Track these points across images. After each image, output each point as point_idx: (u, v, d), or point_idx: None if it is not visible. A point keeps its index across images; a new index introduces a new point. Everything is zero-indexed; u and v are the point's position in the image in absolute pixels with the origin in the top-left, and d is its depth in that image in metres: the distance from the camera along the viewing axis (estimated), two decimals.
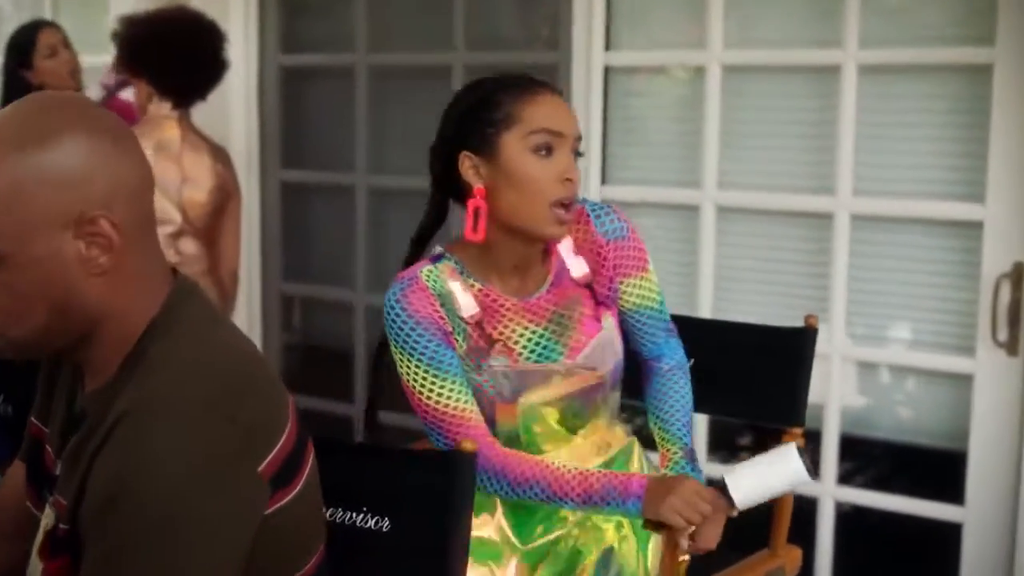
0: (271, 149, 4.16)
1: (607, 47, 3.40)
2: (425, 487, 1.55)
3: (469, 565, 1.59)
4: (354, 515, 1.55)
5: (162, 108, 3.28)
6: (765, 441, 3.53)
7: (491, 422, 1.90)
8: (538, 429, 1.93)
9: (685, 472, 1.92)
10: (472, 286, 1.89)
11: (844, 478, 3.18)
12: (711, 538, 1.80)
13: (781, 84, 3.28)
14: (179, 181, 3.28)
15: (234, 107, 4.06)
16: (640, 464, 2.10)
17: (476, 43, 3.73)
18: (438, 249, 1.95)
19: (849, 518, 3.18)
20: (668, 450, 1.97)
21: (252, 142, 4.13)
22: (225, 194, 3.40)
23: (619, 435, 2.08)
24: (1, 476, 1.65)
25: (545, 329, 1.92)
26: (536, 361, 1.91)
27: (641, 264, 2.01)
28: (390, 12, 3.95)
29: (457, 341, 1.87)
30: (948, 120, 3.03)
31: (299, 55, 4.15)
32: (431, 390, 1.84)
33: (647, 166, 3.43)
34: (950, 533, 2.99)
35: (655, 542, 2.00)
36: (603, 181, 3.42)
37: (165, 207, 3.26)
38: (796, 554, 2.35)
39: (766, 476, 1.79)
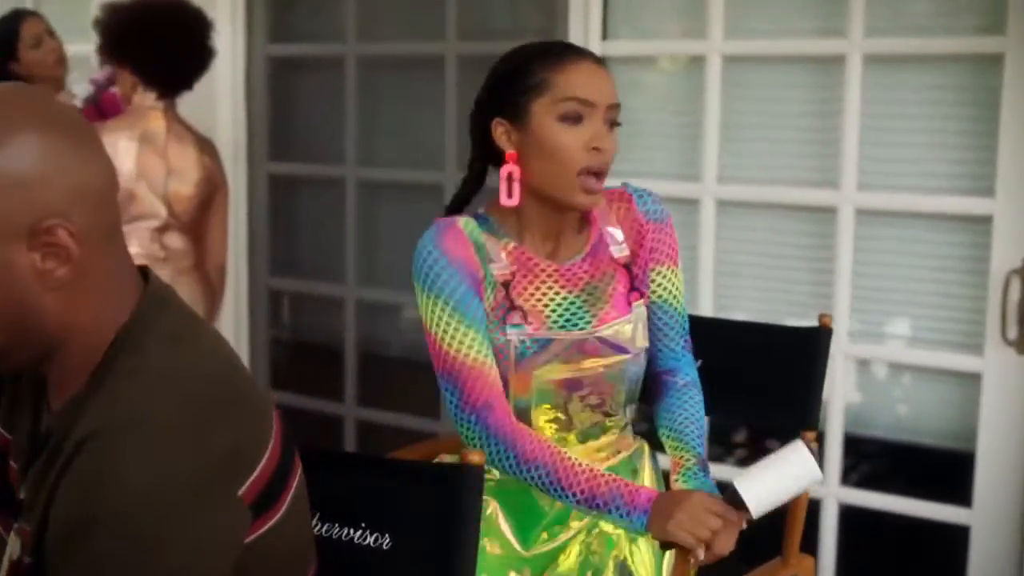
0: (258, 141, 4.10)
1: (604, 36, 3.34)
2: (429, 501, 1.45)
3: None
4: (351, 531, 1.45)
5: (147, 98, 3.21)
6: (759, 438, 3.53)
7: (504, 386, 1.85)
8: (547, 407, 1.88)
9: (698, 479, 1.85)
10: (506, 244, 1.88)
11: (848, 479, 3.13)
12: (725, 545, 1.72)
13: (783, 75, 3.21)
14: (164, 174, 3.20)
15: (221, 98, 4.00)
16: (650, 471, 2.04)
17: (468, 33, 3.67)
18: (477, 211, 1.94)
19: (853, 520, 3.11)
20: (681, 458, 1.90)
21: (239, 134, 4.07)
22: (212, 187, 3.33)
23: (630, 442, 2.03)
24: None
25: (576, 297, 1.89)
26: (563, 328, 1.87)
27: (672, 256, 1.99)
28: (380, 1, 3.89)
29: (486, 292, 1.84)
30: (956, 112, 2.97)
31: (287, 44, 4.10)
32: (452, 336, 1.80)
33: (645, 159, 3.36)
34: (957, 536, 2.94)
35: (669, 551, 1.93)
36: None
37: (150, 200, 3.19)
38: (809, 563, 2.27)
39: (779, 479, 1.71)
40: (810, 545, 2.77)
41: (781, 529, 2.26)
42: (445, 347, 1.81)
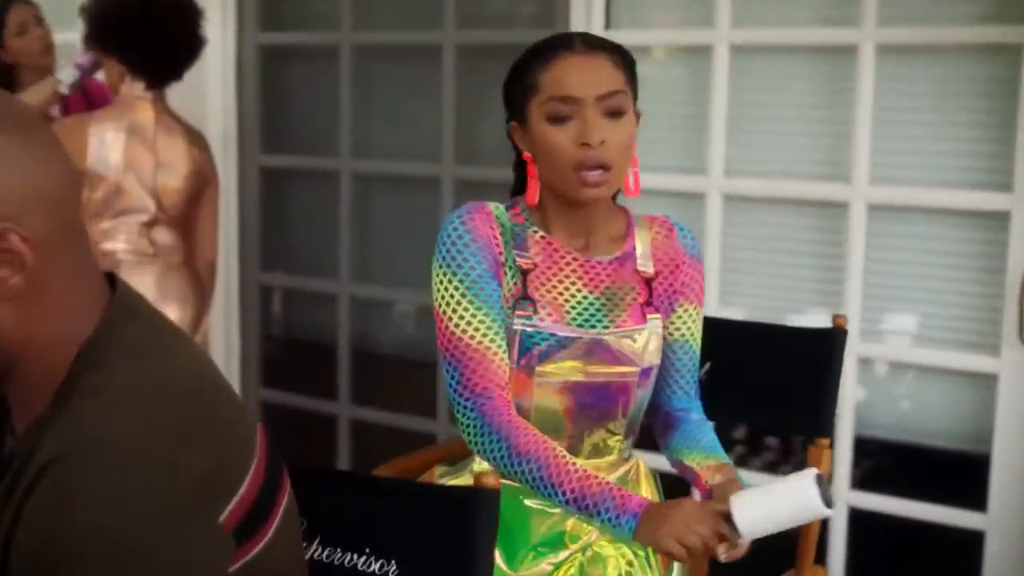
0: (250, 133, 4.05)
1: (607, 26, 3.28)
2: (440, 526, 1.34)
3: None
4: (354, 557, 1.35)
5: (135, 89, 3.12)
6: (758, 435, 3.46)
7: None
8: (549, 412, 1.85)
9: (735, 475, 1.79)
10: (535, 233, 1.87)
11: (858, 483, 3.06)
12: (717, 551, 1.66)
13: (793, 65, 3.14)
14: (153, 167, 3.12)
15: (211, 88, 3.94)
16: (649, 481, 1.99)
17: (468, 20, 3.60)
18: (515, 200, 1.94)
19: (864, 525, 3.05)
20: (712, 465, 1.83)
21: (230, 125, 4.01)
22: (202, 180, 3.24)
23: (628, 464, 1.98)
24: None
25: (596, 298, 1.87)
26: (580, 325, 1.84)
27: (700, 297, 1.99)
28: None
29: (506, 276, 1.83)
30: (973, 104, 2.90)
31: (280, 33, 4.04)
32: (461, 316, 1.79)
33: (649, 152, 3.24)
34: (971, 541, 2.88)
35: (679, 568, 1.87)
36: None
37: (138, 194, 3.11)
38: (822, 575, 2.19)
39: (776, 508, 1.61)
40: (819, 550, 2.69)
41: (795, 540, 2.18)
42: (452, 327, 1.79)
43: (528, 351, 1.81)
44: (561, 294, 1.85)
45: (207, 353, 1.24)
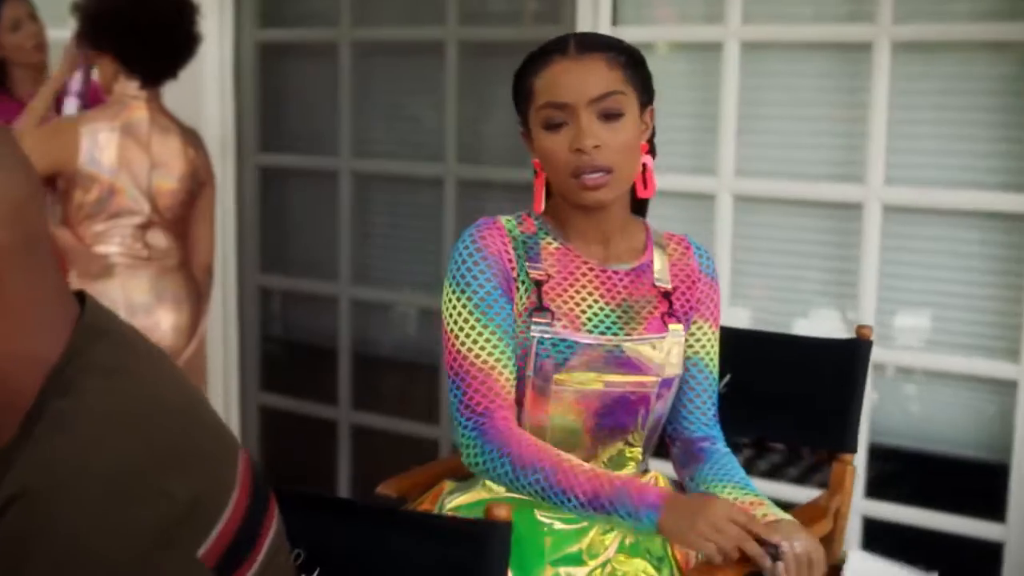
0: (248, 132, 4.00)
1: (614, 22, 3.21)
2: (450, 560, 1.25)
3: None
4: None
5: (129, 87, 3.04)
6: (763, 440, 3.39)
7: (521, 393, 1.81)
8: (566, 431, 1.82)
9: (779, 510, 1.73)
10: (550, 243, 1.85)
11: (873, 491, 3.00)
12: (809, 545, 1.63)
13: (806, 62, 3.07)
14: (148, 167, 3.04)
15: (208, 86, 3.90)
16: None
17: (470, 17, 3.55)
18: (529, 212, 1.92)
19: (878, 535, 2.99)
20: (751, 501, 1.76)
21: (227, 124, 3.96)
22: (198, 181, 3.18)
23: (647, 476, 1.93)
24: None
25: (613, 310, 1.84)
26: (592, 333, 1.81)
27: (717, 318, 1.94)
28: None
29: (518, 291, 1.81)
30: (992, 102, 2.83)
31: (278, 30, 3.99)
32: (467, 335, 1.77)
33: (657, 151, 3.20)
34: (990, 553, 2.84)
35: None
36: None
37: (133, 196, 3.04)
38: None
39: None
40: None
41: None
42: (458, 345, 1.77)
43: (544, 359, 1.77)
44: (578, 304, 1.81)
45: (183, 373, 1.16)
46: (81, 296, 1.12)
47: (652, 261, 1.89)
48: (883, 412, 3.03)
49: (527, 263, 1.82)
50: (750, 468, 3.24)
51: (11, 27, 3.41)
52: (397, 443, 3.69)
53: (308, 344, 4.19)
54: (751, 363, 2.05)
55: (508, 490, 1.76)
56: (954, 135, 2.88)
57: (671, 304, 1.88)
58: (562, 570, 1.77)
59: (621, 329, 1.81)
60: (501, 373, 1.76)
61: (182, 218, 3.16)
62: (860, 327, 2.08)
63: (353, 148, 3.80)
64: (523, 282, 1.81)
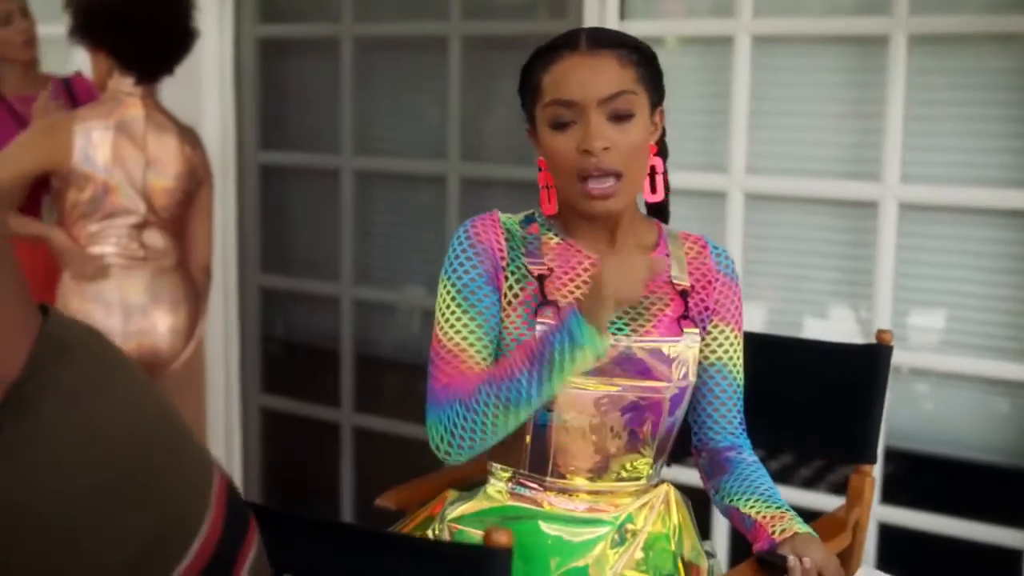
0: (248, 129, 3.95)
1: (621, 16, 3.15)
2: None
3: None
4: None
5: (123, 84, 2.98)
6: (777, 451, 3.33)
7: None
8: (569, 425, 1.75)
9: (806, 526, 1.68)
10: (552, 239, 1.80)
11: (888, 497, 2.93)
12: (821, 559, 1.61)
13: (819, 56, 3.00)
14: (143, 166, 2.98)
15: (208, 83, 3.84)
16: (682, 509, 1.84)
17: (474, 11, 3.49)
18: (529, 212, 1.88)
19: (893, 542, 2.93)
20: (775, 515, 1.71)
21: (227, 121, 3.91)
22: (195, 180, 3.11)
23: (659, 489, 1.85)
24: None
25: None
26: None
27: (738, 320, 1.86)
28: None
29: (508, 280, 1.76)
30: (1012, 97, 2.75)
31: (279, 25, 3.94)
32: (447, 320, 1.74)
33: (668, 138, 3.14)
34: (1008, 560, 2.77)
35: None
36: None
37: (128, 195, 2.98)
38: None
39: None
40: (845, 567, 2.56)
41: None
42: (437, 329, 1.75)
43: None
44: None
45: (156, 387, 1.08)
46: (44, 307, 1.04)
47: (666, 256, 1.83)
48: (897, 415, 2.95)
49: (527, 259, 1.77)
50: None
51: (1, 22, 3.34)
52: (400, 446, 3.63)
53: (309, 345, 4.14)
54: (765, 369, 1.96)
55: (474, 433, 1.66)
56: (973, 131, 2.81)
57: (687, 305, 1.81)
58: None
59: (627, 326, 1.75)
60: (472, 356, 1.70)
61: (179, 217, 3.10)
62: (880, 332, 2.00)
63: (355, 146, 3.75)
64: (520, 276, 1.76)
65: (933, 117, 2.83)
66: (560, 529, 1.73)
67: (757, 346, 1.93)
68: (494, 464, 1.81)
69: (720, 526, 3.02)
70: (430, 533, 1.81)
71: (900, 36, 2.75)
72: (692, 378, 1.78)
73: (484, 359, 1.71)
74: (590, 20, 3.11)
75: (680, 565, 1.76)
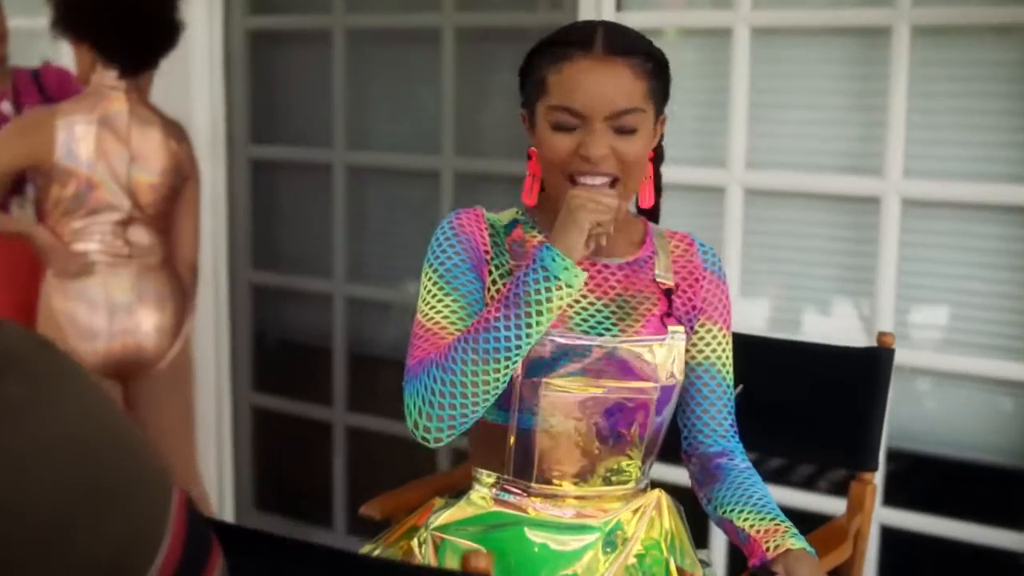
0: (238, 123, 3.90)
1: (618, 7, 3.08)
2: None
3: None
4: None
5: (107, 78, 2.93)
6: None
7: (508, 396, 1.68)
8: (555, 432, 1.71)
9: (803, 540, 1.63)
10: (535, 236, 1.78)
11: (888, 498, 2.87)
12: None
13: (820, 48, 2.94)
14: (127, 161, 2.93)
15: (196, 76, 3.79)
16: (674, 515, 1.80)
17: (468, 2, 3.44)
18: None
19: (894, 544, 2.87)
20: (769, 528, 1.66)
21: (217, 115, 3.86)
22: (181, 176, 3.06)
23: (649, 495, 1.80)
24: None
25: (605, 306, 1.75)
26: (585, 332, 1.71)
27: (726, 319, 1.83)
28: None
29: (492, 275, 1.74)
30: (1015, 90, 2.69)
31: (269, 16, 3.89)
32: (428, 303, 1.71)
33: (664, 143, 3.08)
34: (1010, 563, 2.73)
35: None
36: None
37: (112, 191, 2.93)
38: None
39: None
40: (847, 571, 2.52)
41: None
42: (418, 313, 1.73)
43: (531, 361, 1.65)
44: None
45: (114, 404, 1.02)
46: None
47: (651, 255, 1.80)
48: (897, 414, 2.90)
49: (511, 260, 1.75)
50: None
51: None
52: (393, 446, 3.58)
53: (301, 343, 4.10)
54: (763, 372, 1.92)
55: (454, 399, 1.59)
56: (977, 125, 2.75)
57: (671, 303, 1.77)
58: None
59: (615, 326, 1.72)
60: (452, 335, 1.65)
61: (165, 214, 3.04)
62: (882, 334, 1.95)
63: (347, 140, 3.71)
64: (498, 268, 1.74)
65: (937, 111, 2.77)
66: (547, 536, 1.70)
67: (756, 349, 1.89)
68: (479, 469, 1.77)
69: (718, 535, 2.97)
70: (415, 542, 1.76)
71: (903, 27, 2.69)
72: (679, 376, 1.75)
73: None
74: (586, 11, 3.04)
75: (674, 573, 1.71)
